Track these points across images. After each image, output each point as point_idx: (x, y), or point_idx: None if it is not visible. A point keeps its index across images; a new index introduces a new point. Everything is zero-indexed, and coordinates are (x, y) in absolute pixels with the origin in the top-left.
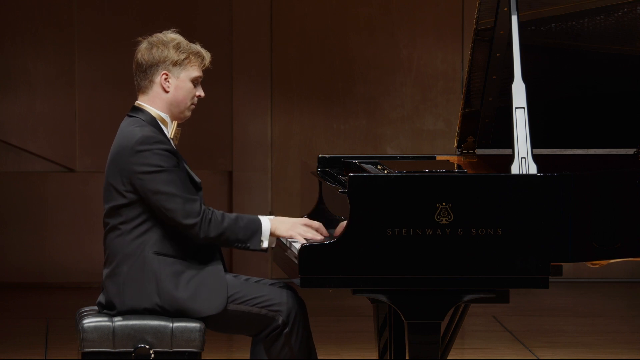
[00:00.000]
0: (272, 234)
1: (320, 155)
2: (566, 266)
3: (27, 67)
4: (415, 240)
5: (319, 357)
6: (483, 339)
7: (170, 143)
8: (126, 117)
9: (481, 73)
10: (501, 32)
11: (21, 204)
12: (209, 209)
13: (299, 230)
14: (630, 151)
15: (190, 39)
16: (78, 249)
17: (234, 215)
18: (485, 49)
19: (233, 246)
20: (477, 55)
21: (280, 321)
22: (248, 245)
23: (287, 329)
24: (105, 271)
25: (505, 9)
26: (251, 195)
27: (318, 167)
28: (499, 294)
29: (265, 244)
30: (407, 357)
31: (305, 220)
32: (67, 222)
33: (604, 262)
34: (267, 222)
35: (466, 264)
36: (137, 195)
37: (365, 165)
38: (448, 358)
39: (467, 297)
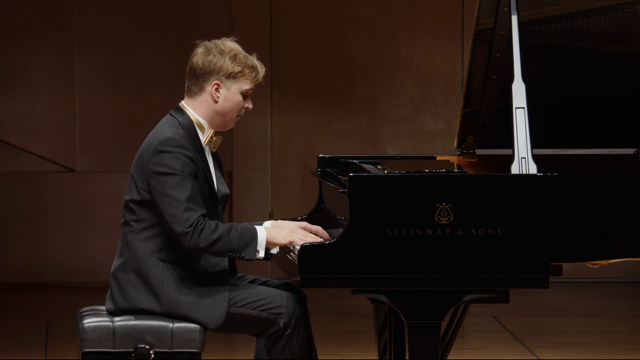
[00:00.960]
0: (269, 243)
1: (320, 155)
2: (566, 266)
3: (27, 67)
4: (415, 240)
5: (319, 357)
6: (483, 339)
7: (201, 148)
8: (168, 114)
9: (481, 73)
10: (501, 32)
11: (21, 204)
12: (204, 219)
13: (298, 236)
14: (630, 151)
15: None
16: (78, 249)
17: (228, 224)
18: (485, 49)
19: (227, 256)
20: (477, 55)
21: (281, 324)
22: (243, 255)
23: (288, 331)
24: (115, 263)
25: (505, 9)
26: (251, 195)
27: (318, 167)
28: (499, 294)
29: (261, 254)
30: (407, 357)
31: (304, 224)
32: (67, 222)
33: (604, 262)
34: (263, 232)
35: (466, 264)
36: (150, 196)
37: (365, 165)
38: (448, 358)
39: (467, 297)
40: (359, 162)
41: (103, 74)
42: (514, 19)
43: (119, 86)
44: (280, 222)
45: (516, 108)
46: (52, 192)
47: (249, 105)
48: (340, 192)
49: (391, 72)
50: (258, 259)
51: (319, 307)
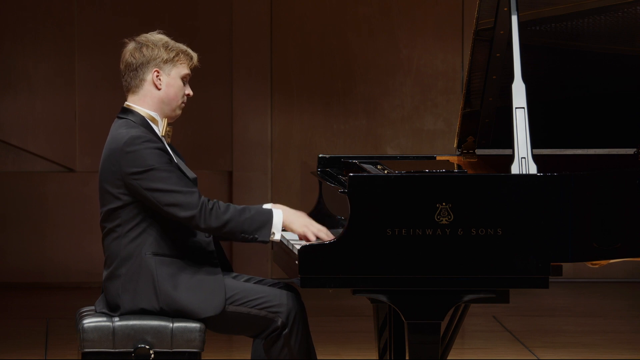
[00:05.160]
0: (285, 227)
1: (320, 155)
2: (566, 266)
3: (27, 67)
4: (415, 240)
5: (318, 357)
6: (483, 339)
7: (161, 140)
8: (116, 118)
9: (481, 73)
10: (501, 32)
11: (21, 204)
12: (212, 200)
13: (312, 229)
14: (630, 151)
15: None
16: (78, 249)
17: (241, 206)
18: (485, 49)
19: (239, 238)
20: (477, 55)
21: (279, 322)
22: (256, 236)
23: (286, 330)
24: (105, 273)
25: (505, 9)
26: (251, 195)
27: (318, 167)
28: (499, 294)
29: (277, 236)
30: (407, 357)
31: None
32: (67, 222)
33: (604, 262)
34: (280, 214)
35: (466, 264)
36: (131, 197)
37: (365, 165)
38: (448, 358)
39: (467, 297)
40: (359, 162)
41: (103, 74)
42: (514, 19)
43: (119, 86)
44: (292, 211)
45: (516, 108)
46: (52, 192)
47: (190, 91)
48: (340, 192)
49: (391, 72)
50: (274, 241)
51: (319, 307)
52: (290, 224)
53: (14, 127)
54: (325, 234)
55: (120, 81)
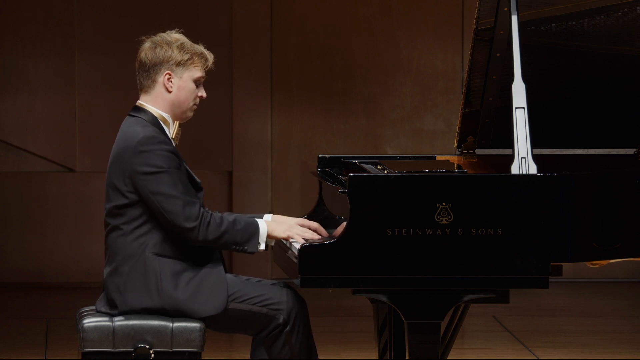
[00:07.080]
0: (269, 236)
1: (320, 155)
2: (566, 266)
3: (27, 67)
4: (415, 240)
5: (319, 357)
6: (483, 339)
7: (172, 143)
8: (128, 116)
9: (481, 73)
10: (501, 32)
11: (21, 204)
12: (207, 212)
13: (296, 231)
14: (630, 151)
15: (191, 39)
16: (78, 249)
17: (231, 217)
18: (485, 49)
19: (231, 249)
20: (477, 55)
21: (280, 320)
22: (246, 248)
23: (287, 328)
24: (106, 270)
25: (505, 9)
26: (251, 195)
27: (318, 167)
28: (499, 294)
29: (262, 247)
30: (407, 357)
31: (303, 220)
32: (67, 222)
33: (604, 262)
34: (264, 225)
35: (466, 264)
36: (138, 196)
37: (365, 165)
38: (448, 358)
39: (467, 297)
40: (359, 162)
41: (103, 74)
42: (514, 19)
43: (119, 86)
44: (279, 217)
45: (516, 108)
46: (52, 192)
47: (203, 93)
48: (340, 192)
49: (391, 72)
50: (258, 252)
51: (319, 307)
52: (272, 232)
53: (14, 127)
54: (311, 234)
55: (119, 81)
